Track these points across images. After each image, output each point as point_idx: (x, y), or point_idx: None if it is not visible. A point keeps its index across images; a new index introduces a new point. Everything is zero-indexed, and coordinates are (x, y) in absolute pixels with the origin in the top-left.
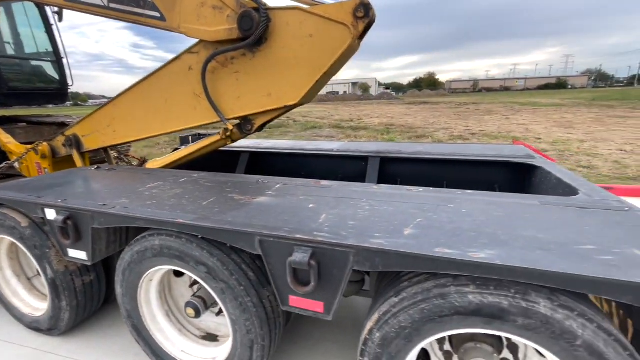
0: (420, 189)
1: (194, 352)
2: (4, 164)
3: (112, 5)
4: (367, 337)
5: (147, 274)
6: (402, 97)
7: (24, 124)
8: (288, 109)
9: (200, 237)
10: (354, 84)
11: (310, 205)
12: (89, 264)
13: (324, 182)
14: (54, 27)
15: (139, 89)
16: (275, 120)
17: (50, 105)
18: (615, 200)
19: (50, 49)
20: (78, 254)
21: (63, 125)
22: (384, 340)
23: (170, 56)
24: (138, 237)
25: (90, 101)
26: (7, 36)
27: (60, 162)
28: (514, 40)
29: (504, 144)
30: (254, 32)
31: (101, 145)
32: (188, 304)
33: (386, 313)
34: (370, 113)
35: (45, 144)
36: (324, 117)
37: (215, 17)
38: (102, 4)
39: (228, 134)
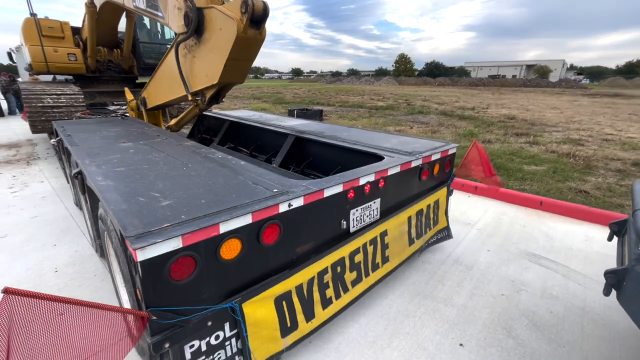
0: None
1: None
2: (122, 110)
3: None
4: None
5: None
6: (591, 86)
7: None
8: (216, 86)
9: None
10: (529, 66)
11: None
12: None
13: (187, 143)
14: None
15: (162, 67)
16: (387, 103)
17: None
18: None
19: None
20: None
21: None
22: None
23: (338, 35)
24: None
25: (267, 75)
26: (143, 27)
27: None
28: None
29: (433, 140)
30: (189, 27)
31: (153, 104)
32: None
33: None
34: (508, 103)
35: (134, 100)
36: (446, 102)
37: (178, 16)
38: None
39: (195, 103)
